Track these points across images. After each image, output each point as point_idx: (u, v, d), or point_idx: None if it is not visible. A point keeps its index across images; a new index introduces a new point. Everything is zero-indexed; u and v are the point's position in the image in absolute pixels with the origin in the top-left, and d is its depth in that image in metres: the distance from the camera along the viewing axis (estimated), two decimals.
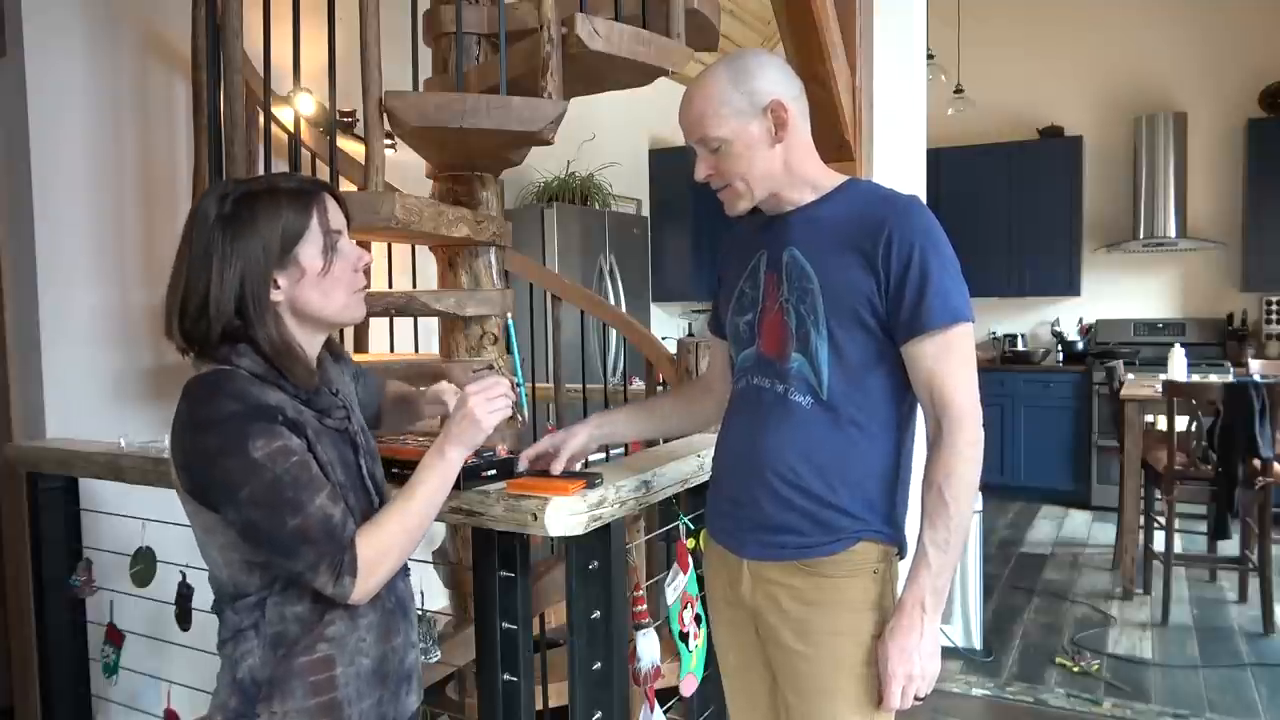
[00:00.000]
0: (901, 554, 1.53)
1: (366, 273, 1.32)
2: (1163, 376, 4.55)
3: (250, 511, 1.14)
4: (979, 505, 3.61)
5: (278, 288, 1.22)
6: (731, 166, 1.46)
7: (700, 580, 1.77)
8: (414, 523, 1.24)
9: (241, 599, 1.24)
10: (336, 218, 1.27)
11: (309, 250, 1.23)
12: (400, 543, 1.23)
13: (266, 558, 1.19)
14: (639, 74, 2.33)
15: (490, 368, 1.49)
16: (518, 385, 1.35)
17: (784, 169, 1.48)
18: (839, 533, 1.45)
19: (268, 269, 1.20)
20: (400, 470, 1.52)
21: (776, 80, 1.45)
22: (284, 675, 1.22)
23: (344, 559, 1.16)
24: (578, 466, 1.71)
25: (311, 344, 1.30)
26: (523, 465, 1.62)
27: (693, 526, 1.82)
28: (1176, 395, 4.00)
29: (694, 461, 1.84)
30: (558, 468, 1.61)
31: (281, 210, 1.21)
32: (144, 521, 2.24)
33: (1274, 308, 5.88)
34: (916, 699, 1.41)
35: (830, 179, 1.52)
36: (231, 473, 1.13)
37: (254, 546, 1.18)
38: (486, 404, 1.29)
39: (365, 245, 3.17)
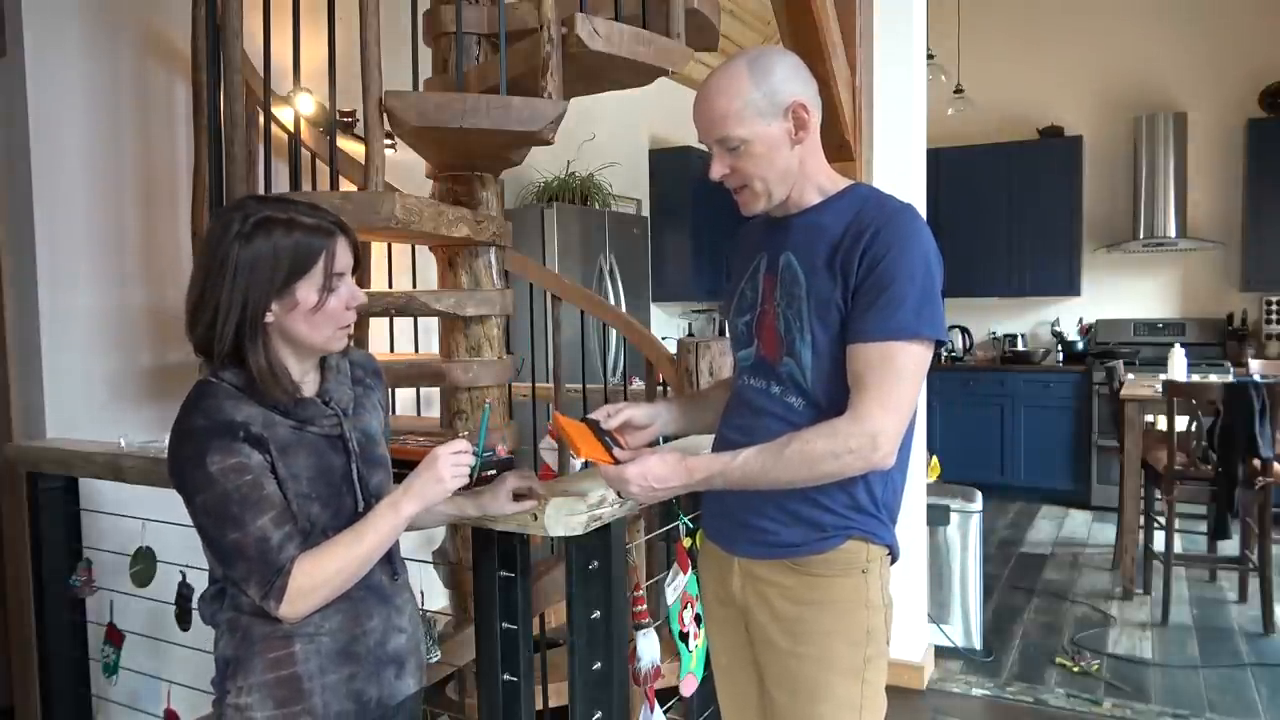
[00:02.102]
0: (894, 557, 1.53)
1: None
2: (1163, 376, 4.55)
3: (201, 517, 1.26)
4: (979, 505, 3.61)
5: (270, 312, 1.29)
6: (750, 167, 1.45)
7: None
8: (354, 564, 1.30)
9: (209, 588, 1.37)
10: (344, 259, 1.33)
11: (307, 287, 1.29)
12: (337, 579, 1.29)
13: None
14: (639, 74, 2.33)
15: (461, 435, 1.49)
16: (475, 453, 1.39)
17: (800, 170, 1.47)
18: (827, 531, 1.46)
19: (268, 296, 1.28)
20: (399, 470, 1.52)
21: (796, 80, 1.44)
22: (245, 655, 1.32)
23: (272, 582, 1.25)
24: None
25: (298, 364, 1.36)
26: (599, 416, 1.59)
27: (692, 526, 1.82)
28: (1176, 395, 4.00)
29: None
30: (613, 424, 1.57)
31: (293, 244, 1.28)
32: (144, 521, 2.24)
33: (1274, 308, 5.88)
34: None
35: (834, 182, 1.52)
36: (191, 481, 1.25)
37: (204, 546, 1.31)
38: (452, 466, 1.34)
39: (366, 246, 3.17)
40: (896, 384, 1.36)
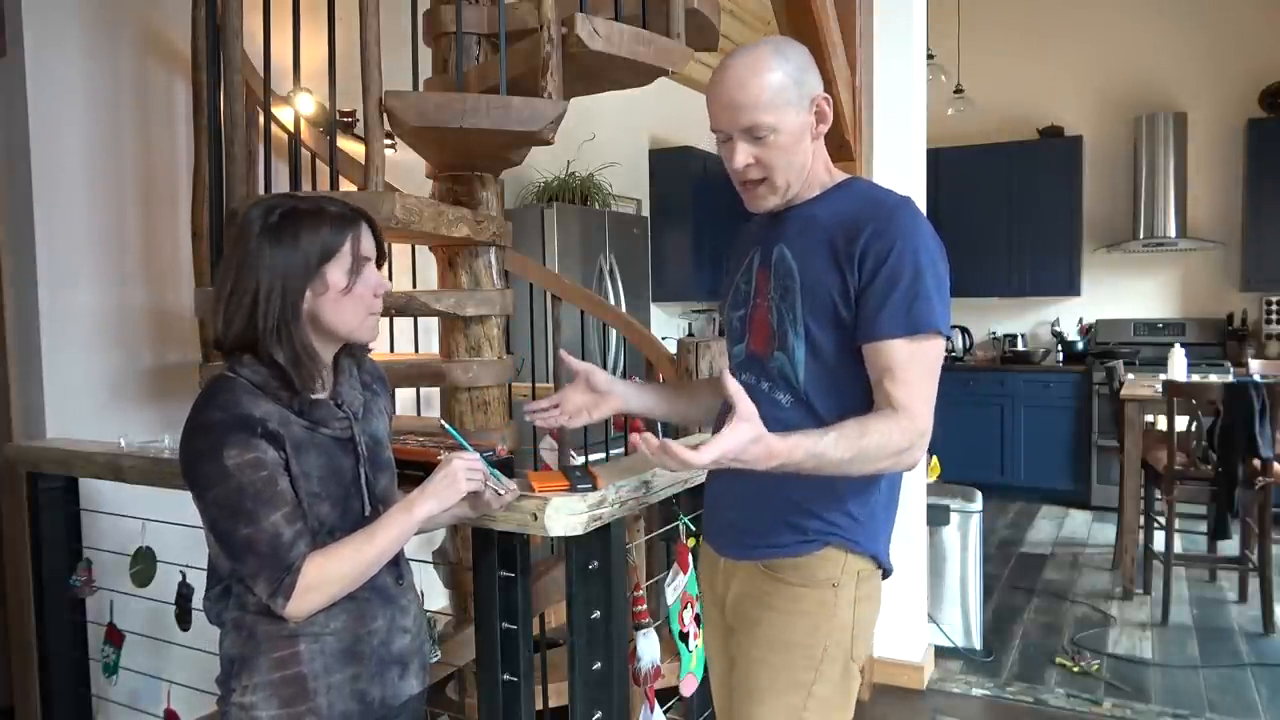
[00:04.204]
0: (885, 571, 1.49)
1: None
2: (1163, 376, 4.55)
3: (214, 511, 1.26)
4: (979, 505, 3.61)
5: (304, 299, 1.31)
6: (774, 157, 1.40)
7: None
8: (364, 565, 1.32)
9: (214, 587, 1.38)
10: (368, 245, 1.36)
11: (336, 270, 1.32)
12: (345, 580, 1.30)
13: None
14: (639, 74, 2.33)
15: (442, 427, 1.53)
16: (480, 458, 1.43)
17: (811, 165, 1.45)
18: (804, 535, 1.42)
19: (305, 279, 1.30)
20: (399, 470, 1.53)
21: (815, 72, 1.42)
22: (251, 653, 1.33)
23: (282, 579, 1.25)
24: (579, 460, 1.74)
25: (322, 354, 1.37)
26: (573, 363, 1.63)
27: (693, 527, 1.82)
28: (1176, 395, 4.00)
29: None
30: (576, 390, 1.62)
31: (321, 230, 1.31)
32: (144, 521, 2.24)
33: (1274, 308, 5.88)
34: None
35: (832, 175, 1.49)
36: (206, 474, 1.25)
37: (214, 541, 1.31)
38: (467, 470, 1.38)
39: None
40: (928, 379, 1.34)
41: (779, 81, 1.36)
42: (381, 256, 1.40)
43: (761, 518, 1.45)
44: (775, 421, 1.40)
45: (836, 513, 1.42)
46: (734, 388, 1.16)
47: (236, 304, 1.29)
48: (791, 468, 1.23)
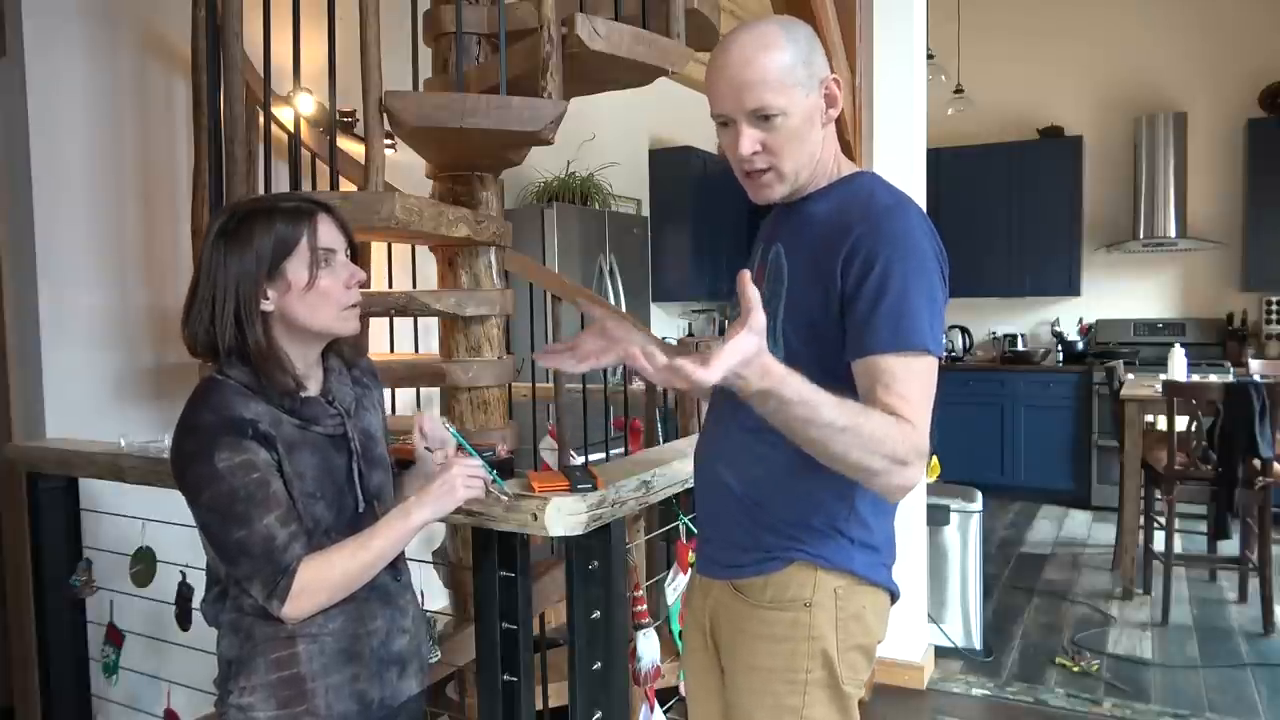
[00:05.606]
0: (888, 590, 1.39)
1: (363, 287, 1.38)
2: (1163, 376, 4.55)
3: (206, 515, 1.26)
4: (979, 505, 3.61)
5: (267, 299, 1.30)
6: (782, 143, 1.29)
7: None
8: (359, 570, 1.31)
9: (212, 589, 1.37)
10: (329, 236, 1.33)
11: (295, 265, 1.30)
12: (340, 583, 1.29)
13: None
14: (639, 74, 2.33)
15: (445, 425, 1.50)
16: (481, 463, 1.42)
17: (821, 153, 1.34)
18: (766, 551, 1.34)
19: (258, 281, 1.28)
20: (399, 470, 1.53)
21: (824, 54, 1.33)
22: (249, 654, 1.32)
23: (277, 581, 1.24)
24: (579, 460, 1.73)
25: (302, 353, 1.36)
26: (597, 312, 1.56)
27: (693, 528, 1.82)
28: (1176, 395, 4.00)
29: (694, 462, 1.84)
30: (591, 333, 1.53)
31: (274, 228, 1.29)
32: (144, 521, 2.24)
33: (1274, 308, 5.88)
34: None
35: (840, 168, 1.39)
36: (198, 477, 1.24)
37: (208, 545, 1.31)
38: (467, 478, 1.37)
39: (365, 246, 3.16)
40: (924, 398, 1.22)
41: (788, 60, 1.26)
42: (352, 247, 1.37)
43: (726, 530, 1.38)
44: (743, 433, 1.34)
45: (797, 526, 1.33)
46: (752, 295, 1.05)
47: (198, 313, 1.29)
48: (777, 404, 1.10)
